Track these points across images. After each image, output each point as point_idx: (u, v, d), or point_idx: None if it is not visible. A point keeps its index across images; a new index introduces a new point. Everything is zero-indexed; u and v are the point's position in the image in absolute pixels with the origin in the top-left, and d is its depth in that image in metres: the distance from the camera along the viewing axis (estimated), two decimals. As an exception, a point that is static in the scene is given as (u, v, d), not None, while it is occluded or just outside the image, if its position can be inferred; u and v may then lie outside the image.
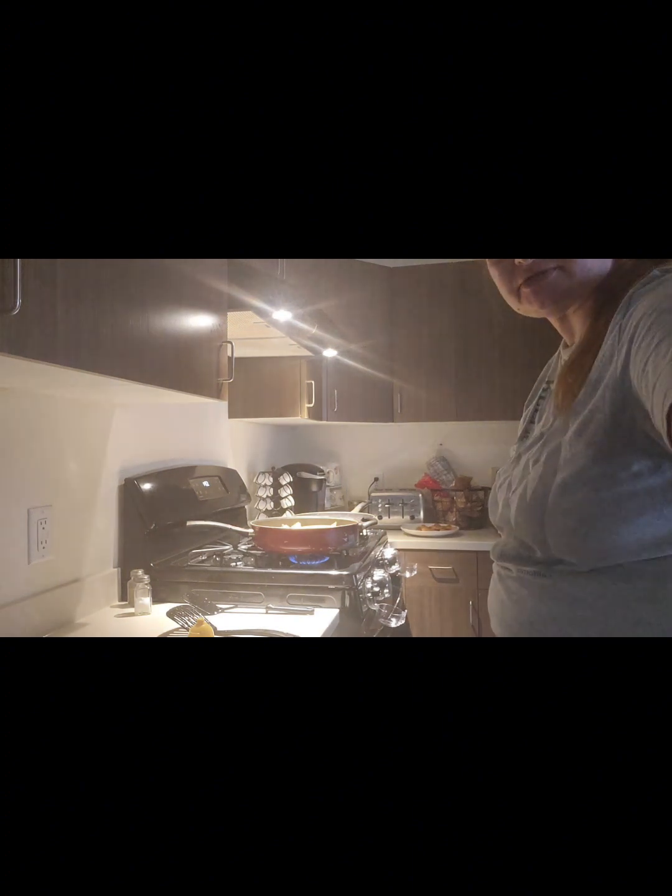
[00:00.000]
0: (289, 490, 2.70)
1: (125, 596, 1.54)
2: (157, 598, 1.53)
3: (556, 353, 0.92)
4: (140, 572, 1.50)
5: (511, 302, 0.80)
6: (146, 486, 1.64)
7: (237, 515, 2.16)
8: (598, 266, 0.76)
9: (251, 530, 1.73)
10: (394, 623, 1.56)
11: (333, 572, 1.51)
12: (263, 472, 2.64)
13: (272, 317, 1.59)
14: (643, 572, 0.68)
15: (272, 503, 2.62)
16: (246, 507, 2.31)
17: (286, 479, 2.70)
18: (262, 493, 2.59)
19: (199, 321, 1.36)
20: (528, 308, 0.79)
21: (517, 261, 0.74)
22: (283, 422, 2.71)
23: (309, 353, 2.15)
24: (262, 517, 2.46)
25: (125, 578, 1.55)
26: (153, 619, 1.43)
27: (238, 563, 1.64)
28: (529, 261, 0.74)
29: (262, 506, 2.58)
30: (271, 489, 2.63)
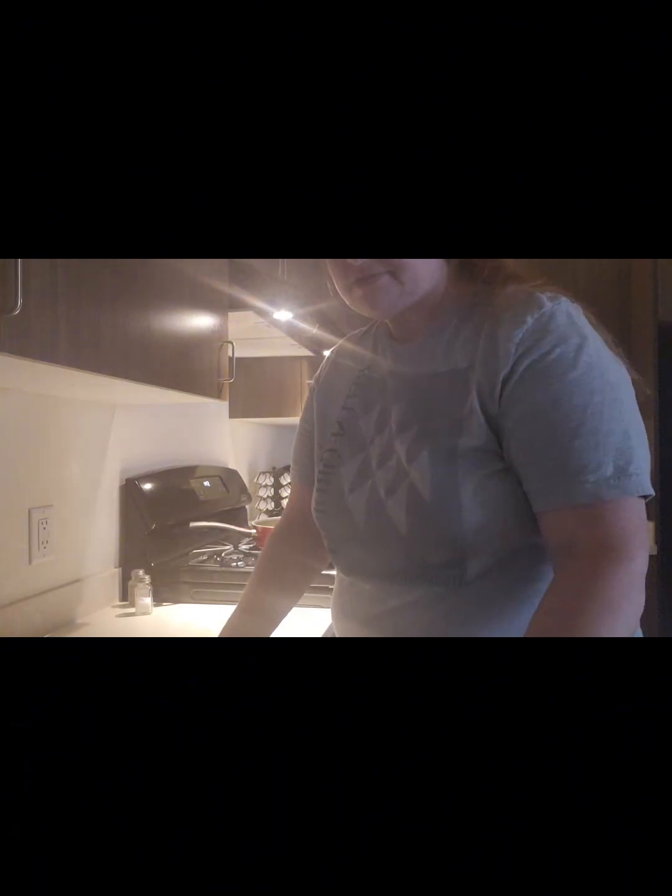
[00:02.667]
0: (290, 490, 2.70)
1: (126, 596, 1.54)
2: (158, 599, 1.53)
3: (368, 337, 0.90)
4: (141, 572, 1.51)
5: (345, 298, 0.77)
6: (147, 487, 1.64)
7: (238, 515, 2.17)
8: (430, 277, 0.75)
9: (253, 530, 1.73)
10: None
11: (334, 572, 1.51)
12: (264, 472, 2.64)
13: (273, 317, 1.60)
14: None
15: (273, 503, 2.62)
16: (247, 507, 2.32)
17: (287, 479, 2.70)
18: (262, 493, 2.59)
19: (199, 321, 1.36)
20: (360, 307, 0.76)
21: (350, 260, 0.71)
22: (284, 422, 2.71)
23: (310, 353, 2.15)
24: (263, 517, 2.46)
25: (126, 578, 1.55)
26: (154, 619, 1.43)
27: (239, 563, 1.64)
28: (361, 262, 0.71)
29: (262, 506, 2.58)
30: (272, 489, 2.63)
